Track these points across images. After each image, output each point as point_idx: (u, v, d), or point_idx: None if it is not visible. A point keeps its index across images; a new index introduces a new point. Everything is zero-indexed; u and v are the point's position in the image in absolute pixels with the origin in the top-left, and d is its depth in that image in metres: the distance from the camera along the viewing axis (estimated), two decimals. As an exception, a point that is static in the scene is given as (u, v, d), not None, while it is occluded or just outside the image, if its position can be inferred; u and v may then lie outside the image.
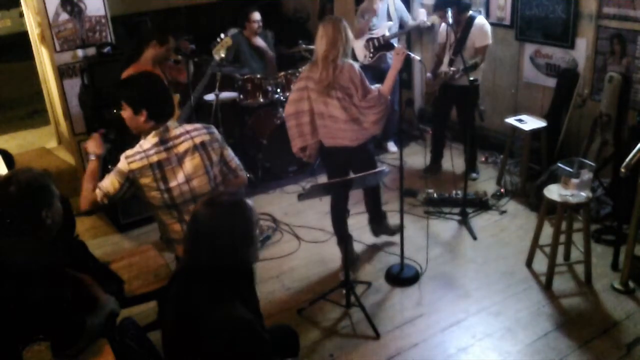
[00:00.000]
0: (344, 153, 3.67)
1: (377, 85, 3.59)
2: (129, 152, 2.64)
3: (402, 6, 5.47)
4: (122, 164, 2.62)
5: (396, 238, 3.81)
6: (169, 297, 2.09)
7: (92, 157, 2.77)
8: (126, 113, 2.67)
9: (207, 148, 2.69)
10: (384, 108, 3.57)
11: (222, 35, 4.86)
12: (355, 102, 3.51)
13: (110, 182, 2.62)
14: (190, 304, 1.95)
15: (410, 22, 5.48)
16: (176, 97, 4.12)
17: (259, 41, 5.54)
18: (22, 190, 2.24)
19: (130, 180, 2.62)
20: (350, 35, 3.52)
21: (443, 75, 4.77)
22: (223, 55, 4.72)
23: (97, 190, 2.64)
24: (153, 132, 2.65)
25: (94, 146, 2.79)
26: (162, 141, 2.64)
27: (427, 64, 5.12)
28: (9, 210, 2.24)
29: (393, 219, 4.11)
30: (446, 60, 4.87)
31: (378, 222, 4.14)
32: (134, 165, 2.60)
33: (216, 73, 5.18)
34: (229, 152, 2.82)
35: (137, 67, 3.82)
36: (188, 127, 2.71)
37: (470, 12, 4.74)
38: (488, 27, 4.73)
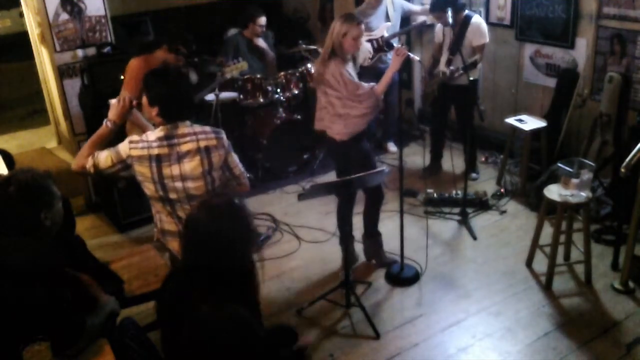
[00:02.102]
0: (333, 146, 3.72)
1: (373, 84, 3.59)
2: (134, 137, 2.66)
3: (400, 3, 5.43)
4: (124, 147, 2.64)
5: (396, 238, 3.80)
6: (166, 297, 2.09)
7: (107, 123, 2.73)
8: (144, 99, 2.70)
9: (211, 153, 2.68)
10: (373, 105, 3.57)
11: (240, 59, 4.97)
12: (343, 95, 3.52)
13: (104, 157, 2.64)
14: (188, 304, 1.95)
15: (414, 9, 5.45)
16: None
17: (261, 42, 5.54)
18: (21, 190, 2.24)
19: (126, 164, 2.64)
20: (342, 31, 3.47)
21: (441, 75, 4.77)
22: (234, 75, 4.79)
23: (90, 159, 2.65)
24: (161, 127, 2.66)
25: (114, 113, 2.75)
26: (168, 137, 2.64)
27: (427, 64, 5.12)
28: (8, 211, 2.24)
29: (393, 219, 4.10)
30: (443, 59, 4.88)
31: (372, 241, 4.01)
32: (134, 152, 2.62)
33: (216, 73, 5.19)
34: (234, 159, 2.80)
35: (147, 59, 3.89)
36: (197, 128, 2.70)
37: (466, 12, 4.74)
38: (485, 26, 4.74)
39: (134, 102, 2.79)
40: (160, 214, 2.77)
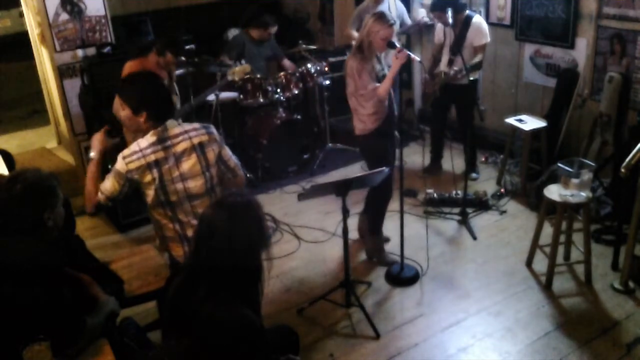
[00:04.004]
0: (356, 139, 3.87)
1: (377, 85, 3.59)
2: (126, 152, 2.63)
3: (402, 7, 5.47)
4: (120, 165, 2.61)
5: (396, 238, 3.81)
6: (171, 296, 2.09)
7: (92, 156, 2.75)
8: (125, 112, 2.65)
9: (205, 149, 2.68)
10: (378, 105, 3.62)
11: (243, 61, 4.98)
12: (352, 90, 3.63)
13: (111, 184, 2.62)
14: (194, 303, 1.95)
15: (409, 22, 5.49)
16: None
17: (285, 62, 5.70)
18: (26, 189, 2.25)
19: (129, 179, 2.62)
20: (373, 30, 3.51)
21: (443, 76, 4.77)
22: (237, 79, 4.78)
23: (100, 194, 2.64)
24: (152, 131, 2.64)
25: (95, 142, 2.78)
26: (160, 140, 2.63)
27: (427, 64, 5.12)
28: (12, 209, 2.24)
29: (393, 219, 4.10)
30: (444, 60, 4.88)
31: (375, 239, 4.01)
32: (132, 165, 2.59)
33: (216, 73, 5.18)
34: (227, 152, 2.80)
35: (142, 61, 3.92)
36: (187, 126, 2.70)
37: (467, 12, 4.74)
38: (485, 26, 4.74)
39: (106, 128, 2.81)
40: (160, 223, 2.75)
